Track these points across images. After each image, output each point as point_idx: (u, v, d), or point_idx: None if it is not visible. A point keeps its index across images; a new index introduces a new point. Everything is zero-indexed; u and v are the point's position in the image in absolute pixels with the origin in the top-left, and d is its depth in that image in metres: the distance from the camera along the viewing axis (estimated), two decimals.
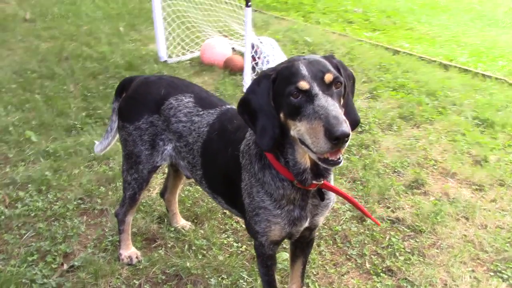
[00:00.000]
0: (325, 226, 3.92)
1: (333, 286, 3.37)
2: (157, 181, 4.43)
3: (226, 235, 3.79)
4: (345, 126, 1.97)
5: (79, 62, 7.14)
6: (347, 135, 1.96)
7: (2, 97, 5.97)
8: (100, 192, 4.22)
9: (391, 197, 4.30)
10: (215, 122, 2.89)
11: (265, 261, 2.76)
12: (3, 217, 3.90)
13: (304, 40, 8.44)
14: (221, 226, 3.89)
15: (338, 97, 2.16)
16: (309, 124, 2.07)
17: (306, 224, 2.59)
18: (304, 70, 2.12)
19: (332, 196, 2.66)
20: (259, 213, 2.53)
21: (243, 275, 3.35)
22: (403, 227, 3.95)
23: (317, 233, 2.90)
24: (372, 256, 3.65)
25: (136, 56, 7.37)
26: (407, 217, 4.03)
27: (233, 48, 7.59)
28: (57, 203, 4.07)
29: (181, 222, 3.88)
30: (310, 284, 3.34)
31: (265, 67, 6.78)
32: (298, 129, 2.14)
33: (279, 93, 2.18)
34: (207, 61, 7.14)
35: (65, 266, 3.44)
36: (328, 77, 2.12)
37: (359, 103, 6.17)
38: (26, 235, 3.73)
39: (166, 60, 7.27)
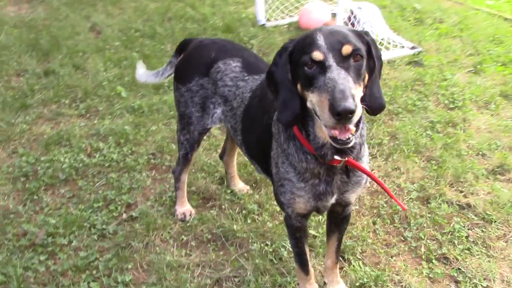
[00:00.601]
0: (385, 205, 3.74)
1: (379, 266, 3.23)
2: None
3: None
4: (350, 102, 1.85)
5: (181, 22, 7.38)
6: (350, 112, 1.85)
7: (105, 53, 6.38)
8: (171, 149, 4.40)
9: (467, 181, 3.98)
10: (257, 88, 2.86)
11: (294, 233, 2.72)
12: (81, 164, 4.22)
13: (412, 7, 7.93)
14: None
15: (356, 71, 2.02)
16: (318, 96, 1.99)
17: (333, 201, 2.49)
18: (320, 40, 2.01)
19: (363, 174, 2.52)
20: (284, 184, 2.48)
21: (285, 244, 3.32)
22: (471, 215, 3.65)
23: (353, 209, 2.79)
24: (429, 241, 3.43)
25: (235, 18, 7.44)
26: (479, 204, 3.72)
27: (333, 14, 7.34)
28: (130, 156, 4.32)
29: (239, 185, 3.93)
30: (353, 261, 3.24)
31: None
32: (311, 100, 2.06)
33: (296, 64, 2.11)
34: (304, 26, 7.00)
35: (124, 216, 3.66)
36: (346, 49, 2.00)
37: (459, 76, 5.70)
38: (98, 183, 4.02)
39: (264, 24, 7.26)
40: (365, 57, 2.08)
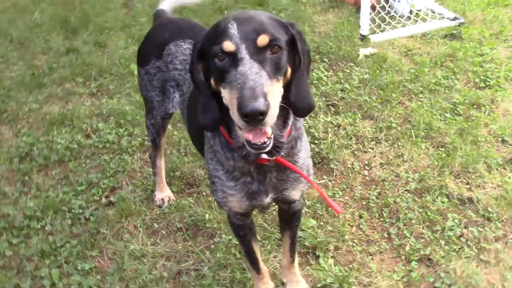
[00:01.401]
0: (378, 197, 3.44)
1: (351, 266, 2.97)
2: None
3: None
4: (259, 102, 1.61)
5: None
6: (260, 113, 1.61)
7: (130, 30, 6.34)
8: (167, 131, 4.29)
9: (476, 171, 3.57)
10: None
11: (237, 231, 2.55)
12: (77, 146, 4.22)
13: None
14: None
15: (273, 64, 1.77)
16: (229, 93, 1.76)
17: (268, 200, 2.27)
18: (233, 29, 1.76)
19: (303, 168, 2.28)
20: (214, 182, 2.30)
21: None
22: (470, 211, 3.27)
23: (302, 205, 2.53)
24: (414, 239, 3.11)
25: None
26: (482, 199, 3.32)
27: None
28: (126, 138, 4.26)
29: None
30: (322, 259, 3.00)
31: (398, 7, 6.01)
32: (223, 96, 1.83)
33: (207, 55, 1.87)
34: None
35: (103, 200, 3.61)
36: (262, 39, 1.75)
37: (498, 51, 5.12)
38: (89, 165, 4.00)
39: None
40: (286, 49, 1.83)
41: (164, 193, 3.54)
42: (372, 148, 3.94)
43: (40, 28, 6.55)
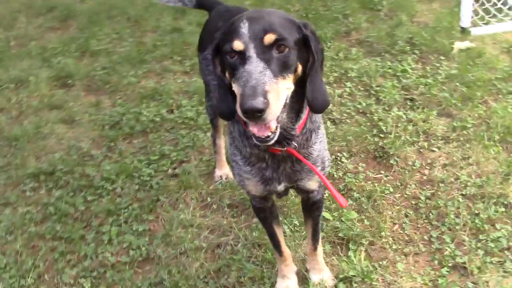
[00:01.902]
0: (431, 198, 3.37)
1: (379, 263, 2.98)
2: None
3: None
4: (258, 101, 1.73)
5: None
6: (257, 111, 1.73)
7: None
8: None
9: None
10: None
11: (257, 213, 2.70)
12: (159, 119, 4.61)
13: None
14: None
15: (280, 63, 1.87)
16: (237, 89, 1.91)
17: (281, 187, 2.39)
18: (244, 28, 1.88)
19: (318, 160, 2.36)
20: (233, 166, 2.47)
21: (295, 221, 3.26)
22: None
23: (323, 196, 2.61)
24: (453, 245, 3.02)
25: None
26: None
27: None
28: (203, 115, 4.55)
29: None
30: (351, 252, 3.04)
31: None
32: (235, 90, 1.97)
33: (222, 52, 2.02)
34: None
35: (170, 171, 3.95)
36: (269, 38, 1.86)
37: None
38: (166, 138, 4.37)
39: None
40: (295, 48, 1.92)
41: (223, 171, 3.77)
42: (439, 148, 3.81)
43: (155, 8, 7.07)
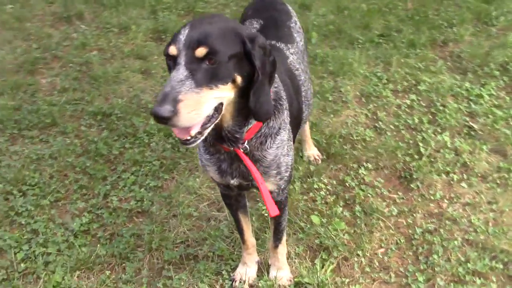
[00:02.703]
0: (431, 232, 3.23)
1: (342, 279, 2.96)
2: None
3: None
4: (163, 108, 1.77)
5: None
6: (161, 118, 1.78)
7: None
8: None
9: None
10: None
11: (223, 199, 2.82)
12: None
13: None
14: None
15: (209, 74, 1.89)
16: None
17: (234, 182, 2.47)
18: (182, 35, 1.92)
19: (273, 164, 2.42)
20: (198, 151, 2.59)
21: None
22: None
23: (284, 197, 2.64)
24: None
25: None
26: None
27: None
28: None
29: (309, 151, 3.91)
30: (318, 262, 3.05)
31: None
32: None
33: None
34: None
35: None
36: (200, 52, 1.88)
37: None
38: None
39: None
40: (230, 61, 1.94)
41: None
42: (471, 185, 3.58)
43: None
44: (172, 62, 1.95)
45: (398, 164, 3.78)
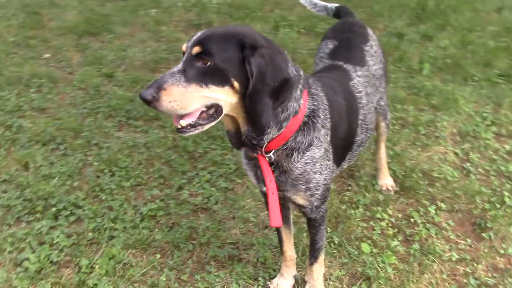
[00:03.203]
0: (490, 287, 3.01)
1: None
2: None
3: None
4: (147, 92, 1.97)
5: None
6: (143, 100, 1.97)
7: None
8: None
9: None
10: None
11: (265, 205, 2.90)
12: None
13: None
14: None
15: (199, 72, 2.02)
16: None
17: (264, 189, 2.56)
18: (195, 36, 2.13)
19: (301, 179, 2.46)
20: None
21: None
22: None
23: (321, 216, 2.62)
24: None
25: None
26: None
27: None
28: None
29: (384, 180, 3.83)
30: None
31: None
32: None
33: None
34: None
35: None
36: (195, 49, 2.04)
37: None
38: None
39: None
40: (224, 65, 2.02)
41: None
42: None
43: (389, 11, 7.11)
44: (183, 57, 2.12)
45: (475, 210, 3.55)
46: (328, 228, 3.41)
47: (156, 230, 3.49)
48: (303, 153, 2.40)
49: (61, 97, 5.31)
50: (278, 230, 2.93)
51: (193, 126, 2.11)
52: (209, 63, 2.02)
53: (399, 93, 5.02)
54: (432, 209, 3.56)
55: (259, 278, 3.10)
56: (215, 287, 3.05)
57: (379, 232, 3.39)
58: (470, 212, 3.56)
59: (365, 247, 3.23)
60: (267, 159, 2.37)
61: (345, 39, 3.13)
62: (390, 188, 3.77)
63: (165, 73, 2.04)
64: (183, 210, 3.66)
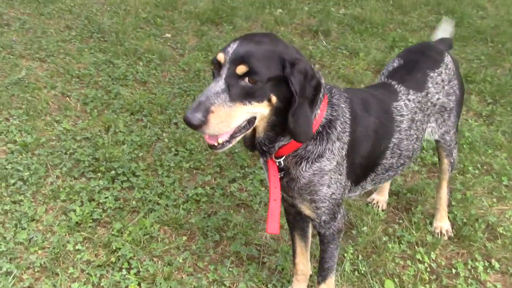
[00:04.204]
0: None
1: None
2: None
3: None
4: (194, 116, 1.91)
5: None
6: (190, 125, 1.93)
7: None
8: None
9: None
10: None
11: (284, 212, 2.84)
12: None
13: None
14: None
15: (243, 91, 1.99)
16: None
17: None
18: (231, 47, 2.04)
19: (306, 188, 2.40)
20: None
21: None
22: None
23: (331, 233, 2.49)
24: None
25: None
26: None
27: None
28: None
29: (440, 223, 3.54)
30: None
31: None
32: None
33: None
34: None
35: None
36: (240, 69, 1.99)
37: None
38: None
39: None
40: (268, 83, 2.01)
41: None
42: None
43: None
44: (217, 71, 2.07)
45: None
46: (360, 256, 3.25)
47: (193, 214, 3.56)
48: (312, 163, 2.33)
49: (163, 75, 5.63)
50: (293, 241, 2.86)
51: (227, 141, 2.10)
52: (254, 82, 1.99)
53: (497, 138, 4.59)
54: (480, 265, 3.21)
55: (269, 285, 3.05)
56: (224, 282, 3.05)
57: (413, 273, 3.14)
58: None
59: (389, 284, 3.03)
60: (277, 164, 2.33)
61: (412, 60, 2.96)
62: (444, 233, 3.48)
63: (207, 91, 1.98)
64: (226, 202, 3.70)
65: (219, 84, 2.00)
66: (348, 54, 6.33)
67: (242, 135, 2.15)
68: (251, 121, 2.11)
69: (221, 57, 2.05)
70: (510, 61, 6.33)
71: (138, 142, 4.32)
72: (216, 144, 2.08)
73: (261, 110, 2.07)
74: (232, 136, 2.10)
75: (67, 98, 4.95)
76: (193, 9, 7.56)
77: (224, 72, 2.02)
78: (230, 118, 2.00)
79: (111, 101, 4.97)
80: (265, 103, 2.05)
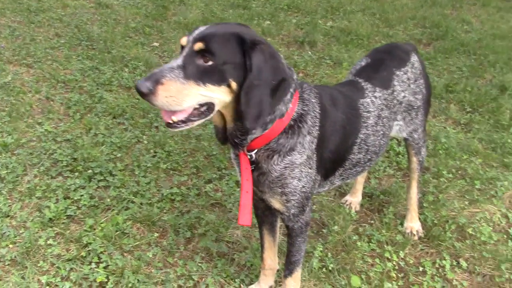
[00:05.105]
0: None
1: None
2: None
3: None
4: (144, 84, 1.95)
5: None
6: (139, 92, 1.96)
7: None
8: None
9: None
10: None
11: (253, 207, 2.88)
12: None
13: None
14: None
15: (198, 70, 2.02)
16: None
17: None
18: (195, 30, 2.11)
19: (277, 182, 2.42)
20: None
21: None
22: None
23: (299, 226, 2.51)
24: None
25: None
26: None
27: None
28: None
29: (410, 223, 3.58)
30: None
31: None
32: None
33: None
34: None
35: None
36: (197, 45, 2.04)
37: None
38: None
39: None
40: (225, 65, 2.03)
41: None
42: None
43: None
44: (181, 51, 2.12)
45: (499, 278, 3.19)
46: (329, 253, 3.28)
47: (167, 212, 3.60)
48: (283, 156, 2.36)
49: None
50: (261, 236, 2.90)
51: (184, 122, 2.11)
52: (210, 62, 2.02)
53: (474, 144, 4.65)
54: (448, 263, 3.24)
55: (237, 280, 3.08)
56: (192, 276, 3.07)
57: (380, 271, 3.18)
58: (492, 278, 3.19)
59: (355, 280, 3.06)
60: (248, 157, 2.36)
61: (379, 59, 3.03)
62: (415, 233, 3.51)
63: (164, 66, 2.02)
64: (200, 201, 3.74)
65: (177, 61, 2.04)
66: (332, 64, 6.41)
67: (202, 121, 2.16)
68: (210, 107, 2.11)
69: (184, 40, 2.12)
70: (491, 72, 6.42)
71: (117, 143, 4.36)
72: (170, 121, 2.09)
73: (219, 96, 2.08)
74: (189, 119, 2.11)
75: (51, 102, 5.01)
76: (183, 20, 7.66)
77: (185, 51, 2.07)
78: (182, 95, 2.00)
79: (94, 105, 5.02)
80: (224, 88, 2.06)
